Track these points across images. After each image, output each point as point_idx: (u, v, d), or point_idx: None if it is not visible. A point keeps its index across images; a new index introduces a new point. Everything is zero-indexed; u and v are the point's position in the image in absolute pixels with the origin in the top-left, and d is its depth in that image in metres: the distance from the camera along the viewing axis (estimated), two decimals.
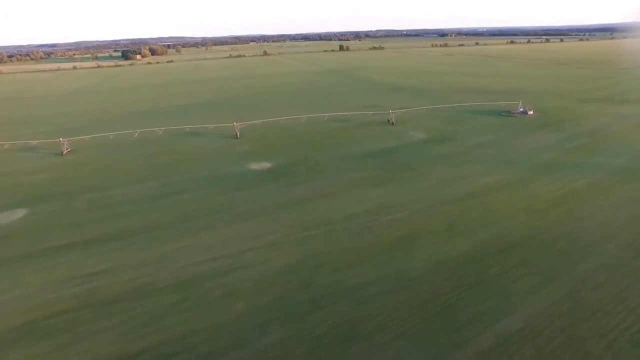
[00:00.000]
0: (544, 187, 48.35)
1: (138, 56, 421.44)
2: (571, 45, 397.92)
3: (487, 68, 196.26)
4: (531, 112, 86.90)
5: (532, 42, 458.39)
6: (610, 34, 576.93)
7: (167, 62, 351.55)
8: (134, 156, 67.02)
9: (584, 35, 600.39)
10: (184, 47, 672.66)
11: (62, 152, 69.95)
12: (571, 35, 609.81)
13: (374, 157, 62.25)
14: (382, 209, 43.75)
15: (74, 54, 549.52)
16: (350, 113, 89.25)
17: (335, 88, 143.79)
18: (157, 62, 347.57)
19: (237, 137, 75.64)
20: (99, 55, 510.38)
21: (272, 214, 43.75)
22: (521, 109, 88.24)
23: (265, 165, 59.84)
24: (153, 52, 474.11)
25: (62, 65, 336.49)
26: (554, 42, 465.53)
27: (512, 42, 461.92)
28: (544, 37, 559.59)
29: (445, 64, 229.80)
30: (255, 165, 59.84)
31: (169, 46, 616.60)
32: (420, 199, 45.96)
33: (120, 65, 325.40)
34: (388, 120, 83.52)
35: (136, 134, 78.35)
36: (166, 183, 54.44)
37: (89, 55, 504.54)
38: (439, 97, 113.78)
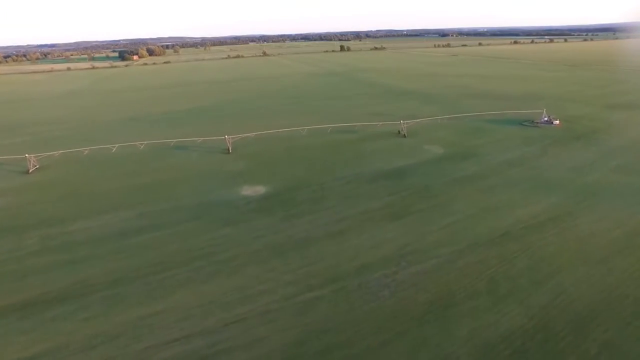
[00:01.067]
0: (598, 223, 39.56)
1: (135, 57, 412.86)
2: (576, 45, 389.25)
3: (494, 70, 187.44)
4: (557, 122, 78.07)
5: (536, 43, 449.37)
6: (614, 34, 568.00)
7: (164, 63, 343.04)
8: (108, 177, 58.14)
9: (587, 35, 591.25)
10: (183, 47, 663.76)
11: (28, 170, 61.25)
12: (574, 35, 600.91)
13: (387, 178, 53.44)
14: (402, 255, 35.02)
15: (71, 55, 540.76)
16: (357, 124, 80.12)
17: (338, 92, 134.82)
18: (154, 63, 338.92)
19: (228, 152, 66.86)
20: (96, 55, 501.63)
21: (266, 262, 35.00)
22: (545, 118, 79.45)
23: (260, 190, 50.99)
24: (151, 52, 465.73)
25: (56, 67, 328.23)
26: (557, 42, 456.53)
27: (515, 42, 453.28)
28: (547, 37, 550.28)
29: (450, 65, 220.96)
30: (247, 190, 51.02)
31: (167, 46, 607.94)
32: (448, 241, 37.20)
33: (115, 67, 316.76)
34: (399, 132, 74.69)
35: (114, 149, 69.37)
36: (141, 213, 45.69)
37: (85, 56, 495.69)
38: (450, 102, 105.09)
